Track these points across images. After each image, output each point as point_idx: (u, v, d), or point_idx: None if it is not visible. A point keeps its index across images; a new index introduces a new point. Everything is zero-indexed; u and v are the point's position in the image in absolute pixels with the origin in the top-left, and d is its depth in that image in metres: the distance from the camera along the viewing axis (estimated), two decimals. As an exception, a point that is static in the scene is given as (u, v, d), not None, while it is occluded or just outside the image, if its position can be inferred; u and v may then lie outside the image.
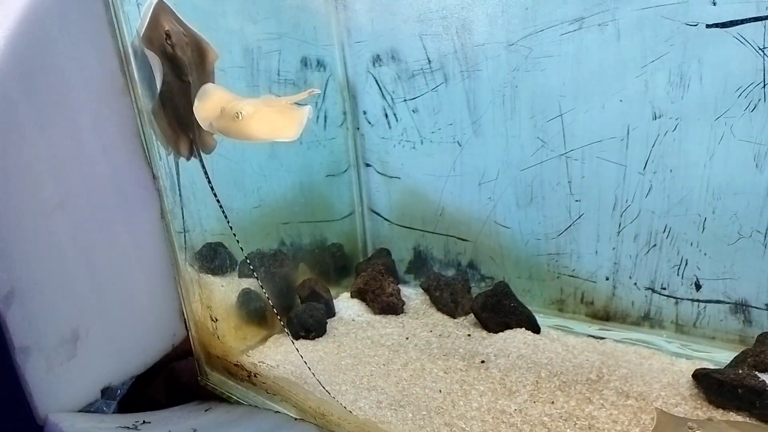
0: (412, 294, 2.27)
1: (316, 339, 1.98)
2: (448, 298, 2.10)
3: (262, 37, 2.04)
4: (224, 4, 1.89)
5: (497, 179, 2.04)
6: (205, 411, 1.77)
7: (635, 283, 1.86)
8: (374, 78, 2.20)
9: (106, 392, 1.76)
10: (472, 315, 2.01)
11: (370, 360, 1.81)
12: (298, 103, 1.61)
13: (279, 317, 1.79)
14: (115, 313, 1.75)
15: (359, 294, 2.25)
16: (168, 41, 1.49)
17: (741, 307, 1.70)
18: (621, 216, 1.81)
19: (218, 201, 1.61)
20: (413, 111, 2.15)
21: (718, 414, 1.41)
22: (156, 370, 1.89)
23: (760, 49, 1.46)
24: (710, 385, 1.45)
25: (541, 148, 1.89)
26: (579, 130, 1.81)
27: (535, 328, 1.91)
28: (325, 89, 2.26)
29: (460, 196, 2.16)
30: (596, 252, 1.91)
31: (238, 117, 1.48)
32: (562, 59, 1.76)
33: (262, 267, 2.04)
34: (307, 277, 2.22)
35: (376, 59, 2.16)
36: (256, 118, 1.50)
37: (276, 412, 1.67)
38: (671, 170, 1.69)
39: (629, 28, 1.62)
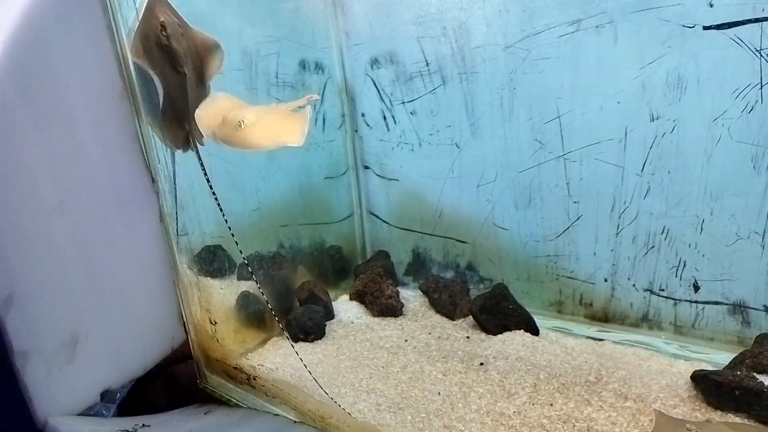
0: (410, 296, 2.27)
1: (315, 341, 1.98)
2: (447, 300, 2.10)
3: (261, 40, 2.04)
4: (222, 7, 1.90)
5: (495, 181, 2.04)
6: (205, 414, 1.77)
7: (634, 285, 1.86)
8: (372, 80, 2.20)
9: (106, 395, 1.76)
10: (470, 317, 2.01)
11: (369, 362, 1.81)
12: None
13: (278, 320, 1.79)
14: (115, 316, 1.76)
15: (358, 296, 2.25)
16: (163, 32, 1.49)
17: (739, 308, 1.70)
18: (619, 217, 1.82)
19: (214, 195, 1.59)
20: (411, 113, 2.15)
21: (717, 416, 1.42)
22: (155, 373, 1.89)
23: (756, 50, 1.47)
24: (708, 386, 1.45)
25: (539, 149, 1.90)
26: (577, 132, 1.81)
27: (534, 330, 1.91)
28: (324, 92, 2.26)
29: (458, 198, 2.16)
30: (594, 253, 1.91)
31: (240, 126, 1.48)
32: (560, 61, 1.76)
33: (260, 269, 2.04)
34: (306, 280, 2.22)
35: (375, 62, 2.16)
36: (259, 126, 1.50)
37: (275, 415, 1.67)
38: (669, 172, 1.69)
39: (626, 30, 1.62)
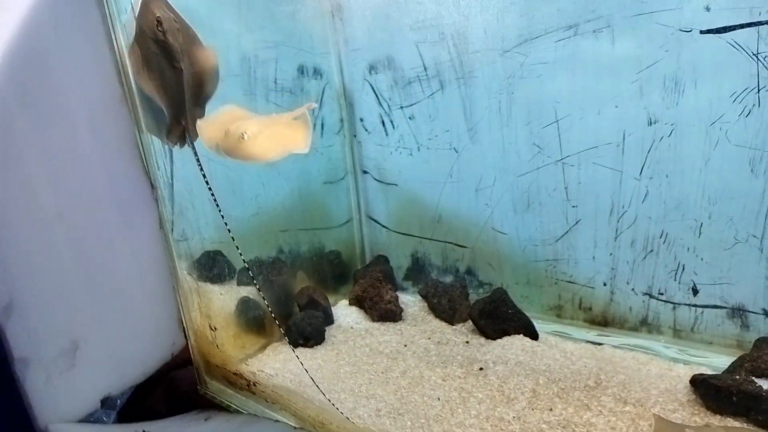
0: (410, 301, 2.27)
1: (315, 347, 1.98)
2: (446, 305, 2.10)
3: (259, 45, 2.05)
4: (221, 12, 1.90)
5: (494, 185, 2.04)
6: (205, 420, 1.77)
7: (633, 289, 1.86)
8: (371, 85, 2.21)
9: (106, 402, 1.76)
10: (470, 321, 2.02)
11: (369, 368, 1.81)
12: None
13: (279, 325, 1.79)
14: (115, 322, 1.76)
15: (357, 301, 2.25)
16: (159, 28, 1.48)
17: (738, 312, 1.70)
18: (618, 222, 1.82)
19: (213, 196, 1.59)
20: (410, 118, 2.15)
21: (716, 420, 1.41)
22: (155, 380, 1.90)
23: (753, 54, 1.47)
24: (708, 390, 1.45)
25: (537, 154, 1.90)
26: (575, 136, 1.81)
27: (534, 335, 1.91)
28: (322, 97, 2.27)
29: (457, 203, 2.16)
30: (593, 258, 1.91)
31: (243, 138, 1.48)
32: (558, 66, 1.76)
33: (260, 275, 2.05)
34: (306, 285, 2.22)
35: (373, 67, 2.16)
36: (261, 137, 1.50)
37: (275, 421, 1.67)
38: (667, 176, 1.69)
39: (624, 34, 1.63)
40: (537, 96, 1.84)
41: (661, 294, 1.82)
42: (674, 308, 1.81)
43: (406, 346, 1.94)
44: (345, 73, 2.26)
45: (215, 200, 1.59)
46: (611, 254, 1.87)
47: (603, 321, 1.96)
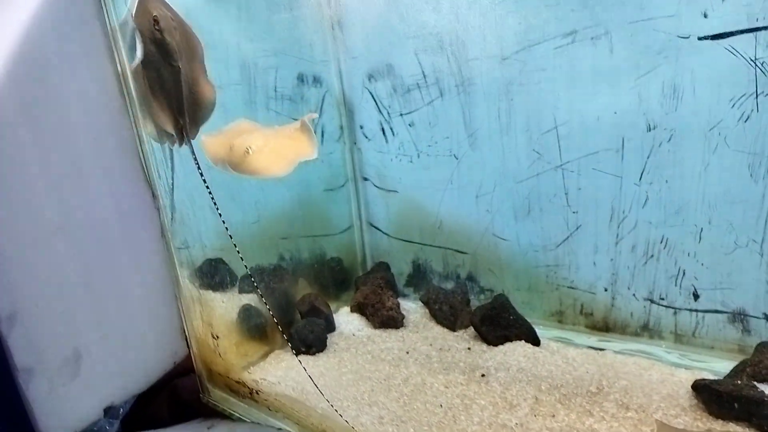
0: (411, 307, 2.27)
1: (317, 354, 1.98)
2: (448, 311, 2.11)
3: (259, 54, 2.06)
4: (221, 21, 1.91)
5: (494, 192, 2.05)
6: (208, 429, 1.77)
7: (634, 294, 1.87)
8: (370, 93, 2.22)
9: (109, 411, 1.76)
10: (471, 328, 2.02)
11: (371, 375, 1.81)
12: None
13: (282, 332, 1.79)
14: (117, 331, 1.76)
15: (359, 308, 2.25)
16: (156, 27, 1.47)
17: (739, 317, 1.71)
18: (618, 227, 1.82)
19: (211, 195, 1.57)
20: (410, 125, 2.16)
21: (718, 425, 1.42)
22: (158, 388, 1.90)
23: (751, 60, 1.48)
24: (709, 396, 1.46)
25: (537, 160, 1.91)
26: (574, 142, 1.82)
27: (535, 341, 1.92)
28: (322, 105, 2.27)
29: (457, 209, 2.17)
30: (594, 263, 1.91)
31: (248, 152, 1.48)
32: (556, 72, 1.77)
33: (262, 282, 2.05)
34: (307, 292, 2.22)
35: (372, 75, 2.17)
36: (267, 151, 1.50)
37: (278, 429, 1.67)
38: (667, 181, 1.70)
39: (622, 41, 1.64)
40: (536, 102, 1.84)
41: (662, 299, 1.82)
42: (675, 313, 1.81)
43: (408, 353, 1.94)
44: (345, 81, 2.27)
45: (214, 201, 1.57)
46: (612, 260, 1.87)
47: (604, 326, 1.96)
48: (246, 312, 2.00)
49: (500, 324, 1.93)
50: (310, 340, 1.99)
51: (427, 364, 1.84)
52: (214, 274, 1.95)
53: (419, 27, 1.98)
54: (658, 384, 1.61)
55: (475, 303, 2.17)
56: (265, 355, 2.01)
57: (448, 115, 2.05)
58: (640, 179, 1.73)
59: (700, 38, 1.53)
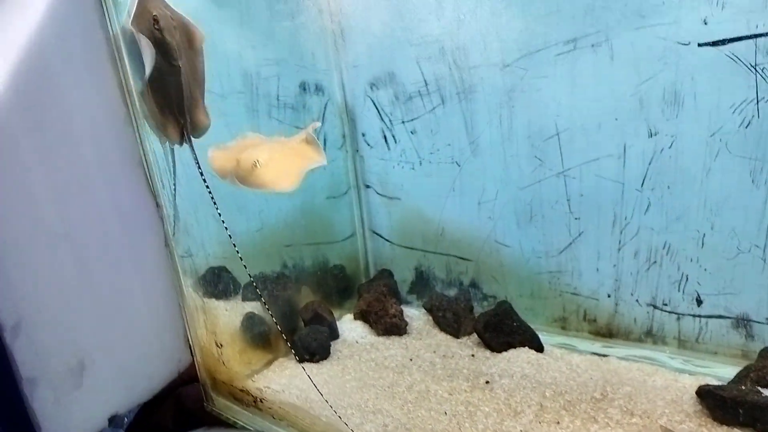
0: (414, 314, 2.27)
1: (320, 362, 1.98)
2: (451, 318, 2.11)
3: (261, 62, 2.07)
4: (223, 29, 1.92)
5: (496, 198, 2.05)
6: (212, 437, 1.78)
7: (637, 300, 1.87)
8: (372, 101, 2.22)
9: (114, 420, 1.77)
10: (475, 335, 2.02)
11: (375, 383, 1.81)
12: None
13: (286, 340, 1.80)
14: (121, 340, 1.77)
15: (362, 316, 2.25)
16: (156, 26, 1.47)
17: (742, 322, 1.71)
18: (621, 233, 1.83)
19: (212, 198, 1.59)
20: (411, 132, 2.17)
21: (723, 431, 1.41)
22: (162, 397, 1.90)
23: (751, 66, 1.48)
24: (714, 401, 1.45)
25: (539, 167, 1.91)
26: (576, 149, 1.82)
27: (539, 347, 1.92)
28: (324, 113, 2.28)
29: (460, 216, 2.18)
30: (597, 269, 1.92)
31: (256, 166, 1.49)
32: (557, 79, 1.78)
33: (265, 290, 2.05)
34: (310, 300, 2.22)
35: (374, 83, 2.18)
36: (274, 163, 1.51)
37: (282, 437, 1.68)
38: (669, 187, 1.70)
39: (622, 48, 1.64)
40: (537, 109, 1.85)
41: (666, 305, 1.82)
42: (679, 319, 1.81)
43: (411, 360, 1.94)
44: (346, 89, 2.28)
45: (216, 206, 1.59)
46: (615, 266, 1.88)
47: (608, 332, 1.96)
48: (249, 320, 2.01)
49: (504, 331, 1.93)
50: (314, 347, 1.99)
51: (431, 371, 1.84)
52: (217, 283, 1.96)
53: (421, 35, 1.99)
54: (662, 390, 1.61)
55: (478, 310, 2.17)
56: (269, 363, 2.01)
57: (450, 122, 2.06)
58: (642, 185, 1.74)
59: (700, 45, 1.54)
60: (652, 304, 1.85)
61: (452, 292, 2.29)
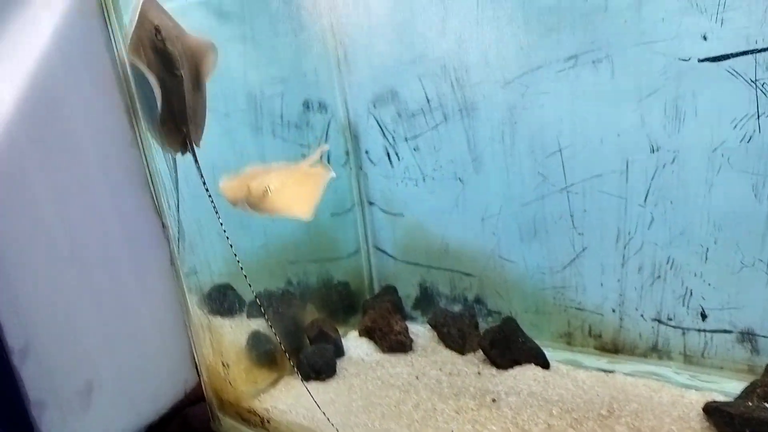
0: (419, 331, 2.27)
1: (327, 380, 1.98)
2: (456, 335, 2.10)
3: (265, 81, 2.08)
4: (227, 48, 1.93)
5: (500, 214, 2.06)
6: (219, 457, 1.78)
7: (642, 315, 1.87)
8: (375, 118, 2.24)
9: (121, 442, 1.77)
10: (480, 351, 2.01)
11: (381, 401, 1.81)
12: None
13: (290, 360, 1.80)
14: (128, 362, 1.77)
15: (367, 332, 2.25)
16: (158, 36, 1.48)
17: (747, 336, 1.70)
18: (624, 248, 1.83)
19: (215, 207, 1.59)
20: (414, 149, 2.18)
21: (731, 447, 1.42)
22: (169, 418, 1.90)
23: (751, 81, 1.49)
24: (721, 418, 1.45)
25: (541, 182, 1.92)
26: (578, 165, 1.83)
27: (545, 364, 1.91)
28: (327, 130, 2.30)
29: (463, 232, 2.18)
30: (601, 284, 1.92)
31: (267, 192, 1.50)
32: (559, 96, 1.79)
33: (270, 307, 2.05)
34: (315, 317, 2.23)
35: (377, 100, 2.20)
36: (285, 189, 1.52)
37: (290, 457, 1.68)
38: (671, 202, 1.71)
39: (623, 64, 1.66)
40: (539, 125, 1.86)
41: (670, 319, 1.82)
42: (684, 333, 1.81)
43: (417, 377, 1.94)
44: (350, 107, 2.29)
45: (218, 217, 1.60)
46: (619, 280, 1.88)
47: (613, 348, 1.96)
48: (255, 338, 2.01)
49: (510, 348, 1.92)
50: (320, 365, 1.99)
51: (438, 389, 1.84)
52: (222, 300, 1.96)
53: (423, 53, 2.00)
54: (669, 406, 1.61)
55: (483, 325, 2.17)
56: (275, 382, 2.01)
57: (453, 139, 2.07)
58: (645, 200, 1.74)
59: (700, 60, 1.55)
60: (656, 318, 1.85)
61: (457, 308, 2.29)
